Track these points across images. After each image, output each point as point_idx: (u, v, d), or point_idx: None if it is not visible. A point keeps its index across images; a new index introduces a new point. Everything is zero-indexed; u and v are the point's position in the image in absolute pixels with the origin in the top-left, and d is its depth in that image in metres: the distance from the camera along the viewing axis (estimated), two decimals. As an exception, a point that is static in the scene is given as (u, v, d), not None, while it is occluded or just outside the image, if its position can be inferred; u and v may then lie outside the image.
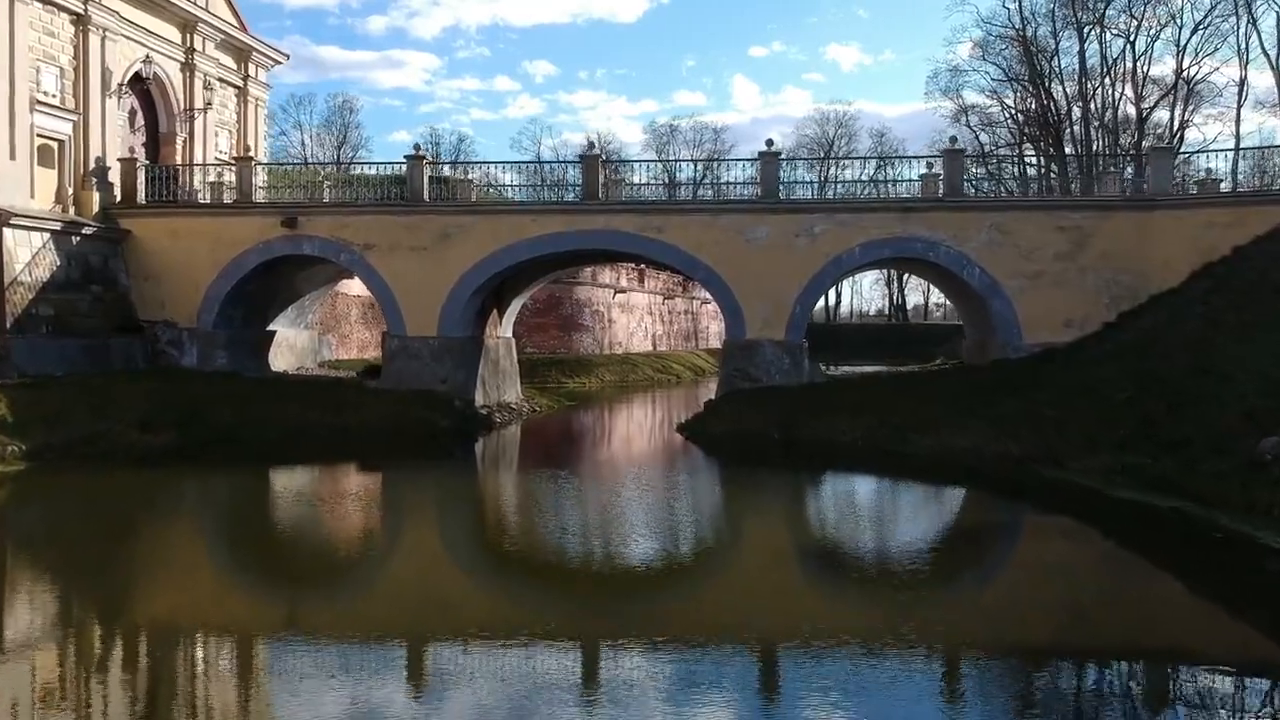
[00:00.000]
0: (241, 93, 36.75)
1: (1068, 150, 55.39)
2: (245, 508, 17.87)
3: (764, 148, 27.73)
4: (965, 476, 20.34)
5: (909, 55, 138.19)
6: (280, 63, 39.29)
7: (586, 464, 24.16)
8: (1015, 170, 54.71)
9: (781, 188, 28.06)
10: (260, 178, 29.52)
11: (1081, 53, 58.14)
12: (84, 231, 27.61)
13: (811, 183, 27.11)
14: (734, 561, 14.10)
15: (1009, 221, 27.01)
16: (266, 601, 11.84)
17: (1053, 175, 49.90)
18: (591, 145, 27.74)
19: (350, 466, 22.78)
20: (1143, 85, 58.51)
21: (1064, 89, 59.04)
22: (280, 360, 31.77)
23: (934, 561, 13.92)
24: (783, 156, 27.95)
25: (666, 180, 29.06)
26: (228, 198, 29.51)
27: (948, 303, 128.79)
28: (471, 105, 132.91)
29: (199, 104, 33.31)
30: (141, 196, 29.40)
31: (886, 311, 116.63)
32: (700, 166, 26.52)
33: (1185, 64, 56.90)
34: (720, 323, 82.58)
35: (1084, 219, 26.94)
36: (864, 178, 27.75)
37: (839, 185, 28.44)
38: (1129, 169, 31.84)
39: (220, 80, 35.09)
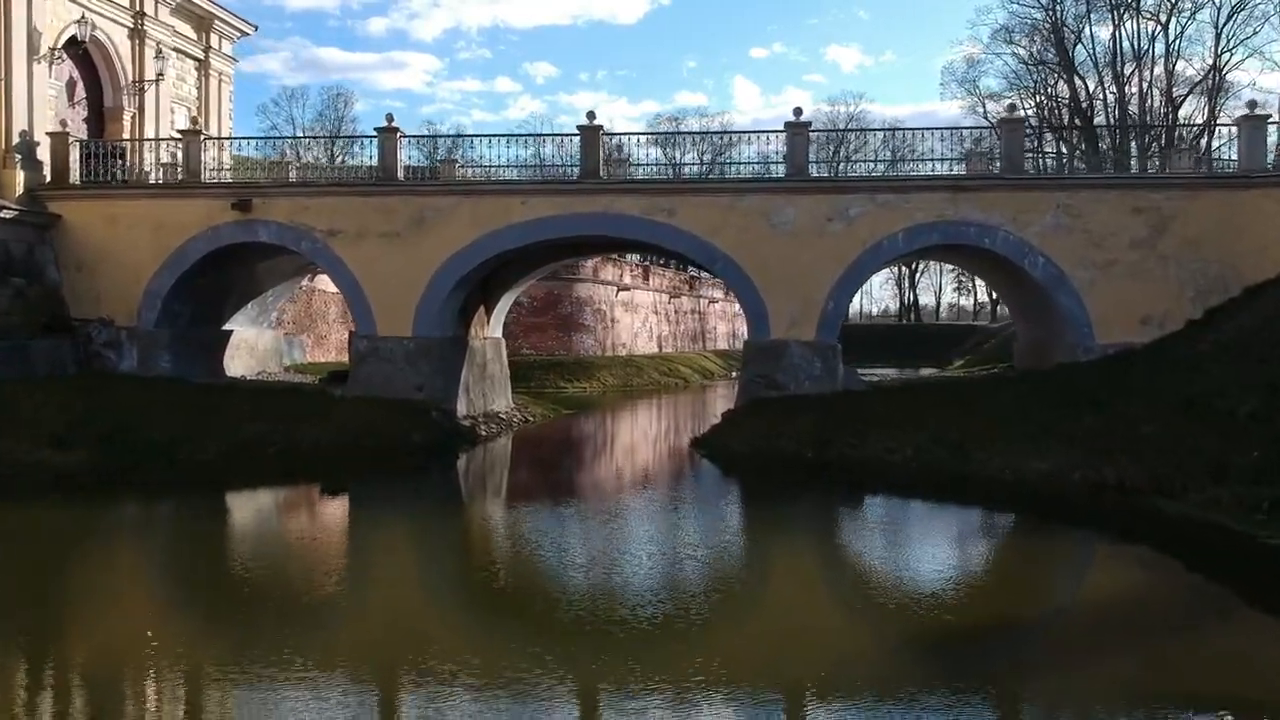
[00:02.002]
0: (203, 65, 32.98)
1: (1102, 141, 51.70)
2: (138, 561, 14.04)
3: (790, 117, 23.90)
4: (1053, 509, 16.53)
5: (910, 56, 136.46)
6: (248, 34, 35.49)
7: (583, 491, 20.30)
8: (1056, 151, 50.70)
9: (812, 166, 24.21)
10: (210, 154, 25.66)
11: (1115, 35, 54.54)
12: (3, 215, 23.82)
13: (846, 160, 23.08)
14: (777, 638, 10.29)
15: (1078, 202, 23.15)
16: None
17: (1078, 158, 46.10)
18: (591, 116, 23.81)
19: (295, 494, 19.02)
20: (1175, 63, 54.73)
21: (1099, 74, 55.32)
22: (238, 364, 27.97)
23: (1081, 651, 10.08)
24: (814, 128, 24.10)
25: (677, 160, 25.07)
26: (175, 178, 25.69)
27: (960, 302, 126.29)
28: (473, 106, 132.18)
29: (150, 75, 29.50)
30: (75, 176, 25.62)
31: (896, 311, 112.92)
32: (717, 141, 22.42)
33: (1221, 48, 53.40)
34: (729, 323, 79.52)
35: (1165, 199, 23.07)
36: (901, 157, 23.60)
37: (876, 162, 24.39)
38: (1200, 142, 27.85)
39: (176, 50, 31.32)
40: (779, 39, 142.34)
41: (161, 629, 10.07)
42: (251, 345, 28.74)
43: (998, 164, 24.38)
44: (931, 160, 24.29)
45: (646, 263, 58.64)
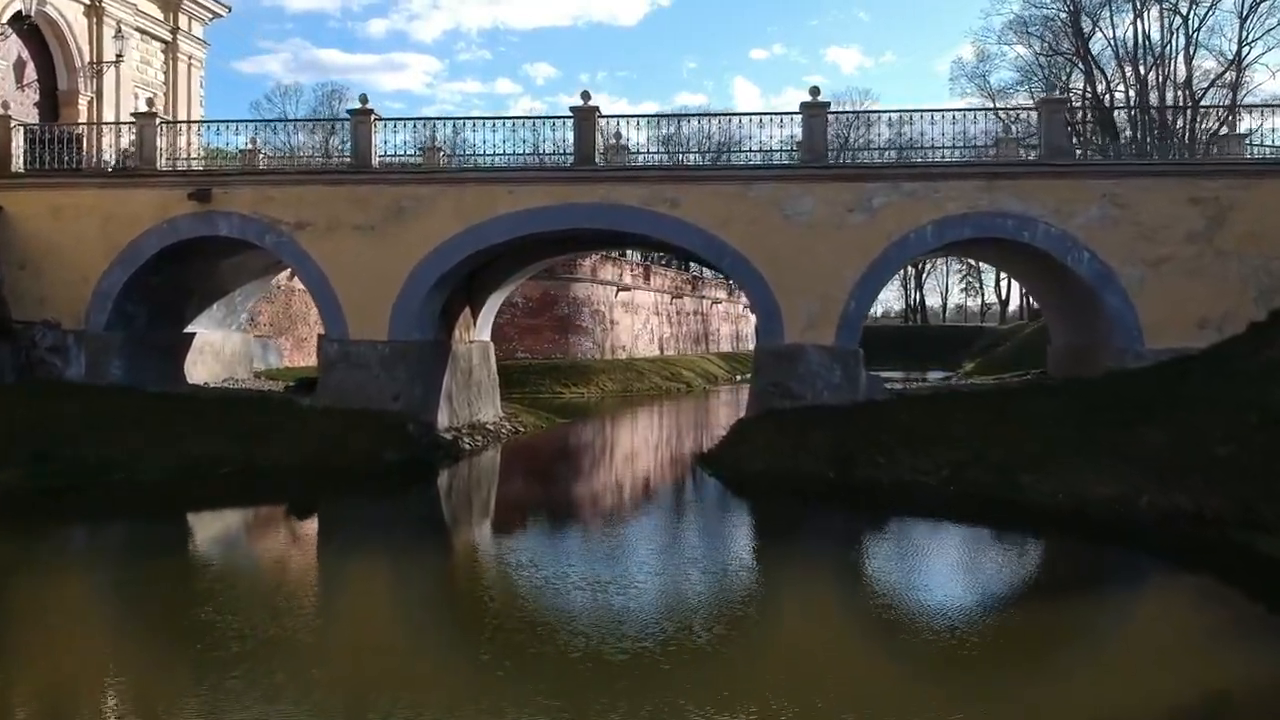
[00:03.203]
0: (170, 48, 30.72)
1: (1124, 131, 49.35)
2: (39, 612, 11.69)
3: (807, 97, 21.56)
4: (1128, 543, 14.22)
5: (910, 57, 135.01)
6: (220, 15, 33.16)
7: (575, 518, 17.92)
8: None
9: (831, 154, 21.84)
10: (168, 140, 23.29)
11: (1136, 25, 52.24)
12: (-66, 206, 21.56)
13: (870, 148, 20.66)
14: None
15: (1127, 192, 20.78)
16: None
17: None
18: (586, 97, 21.50)
19: (240, 522, 16.68)
20: (1194, 52, 52.39)
21: (1120, 65, 53.00)
22: (202, 370, 25.62)
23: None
24: (832, 109, 21.72)
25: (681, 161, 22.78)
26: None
27: (969, 304, 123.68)
28: (473, 107, 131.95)
29: (109, 56, 27.19)
30: (20, 164, 23.29)
31: (900, 312, 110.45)
32: (725, 125, 20.08)
33: (1243, 39, 51.13)
34: (732, 325, 77.00)
35: (1224, 188, 20.71)
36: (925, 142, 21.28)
37: (901, 149, 22.04)
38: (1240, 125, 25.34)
39: (140, 31, 29.04)
40: (779, 40, 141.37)
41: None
42: (217, 349, 26.39)
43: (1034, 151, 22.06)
44: (958, 147, 21.90)
45: (647, 262, 56.30)
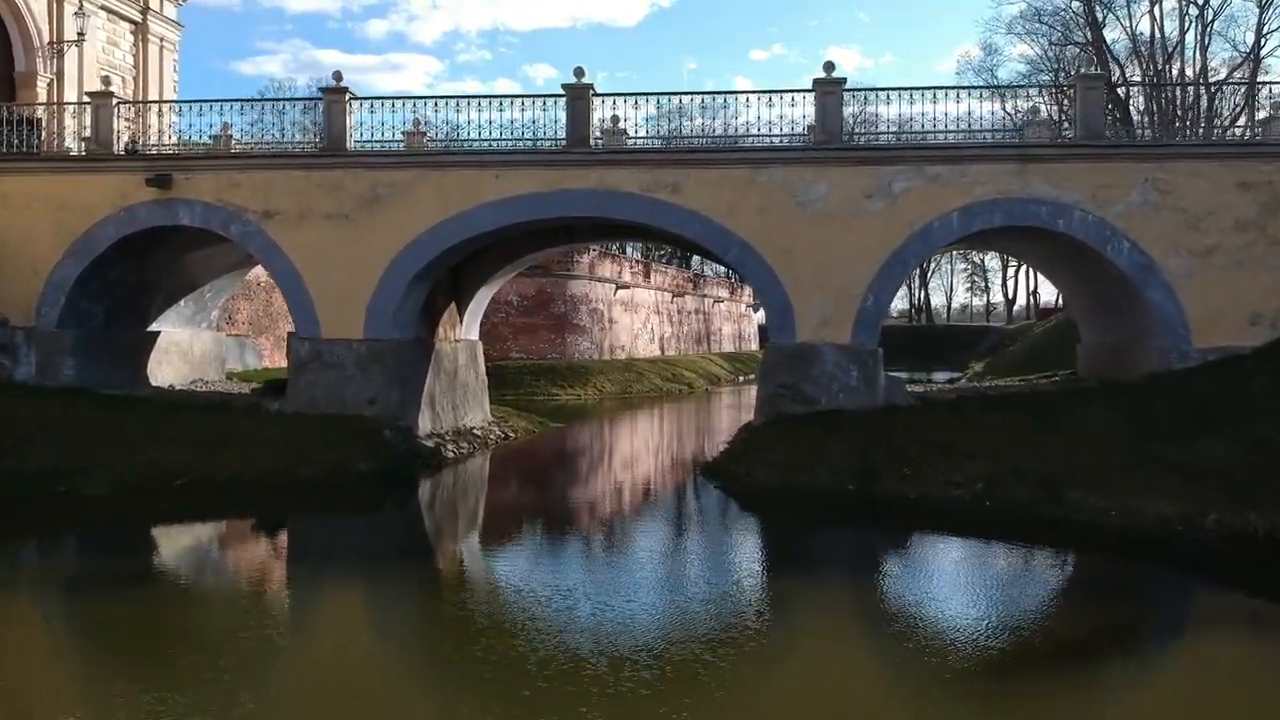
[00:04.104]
0: (139, 29, 28.91)
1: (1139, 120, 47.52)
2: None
3: (821, 74, 19.75)
4: (1194, 567, 12.40)
5: (909, 58, 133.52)
6: (195, -4, 31.34)
7: (566, 538, 16.09)
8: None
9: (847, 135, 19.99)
10: (137, 124, 21.45)
11: (1152, 13, 50.46)
12: None
13: (888, 132, 18.77)
14: None
15: (1171, 175, 18.98)
16: None
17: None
18: (579, 73, 19.71)
19: (181, 545, 14.86)
20: (1209, 43, 50.58)
21: (1139, 55, 51.17)
22: (168, 371, 23.81)
23: None
24: (849, 87, 19.84)
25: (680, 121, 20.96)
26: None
27: (974, 302, 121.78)
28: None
29: (70, 35, 25.39)
30: (-33, 149, 21.48)
31: (904, 311, 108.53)
32: (732, 101, 18.39)
33: (1263, 28, 49.32)
34: (734, 324, 75.13)
35: (1279, 171, 18.93)
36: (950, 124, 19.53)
37: (923, 129, 20.14)
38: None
39: (106, 10, 27.23)
40: (779, 41, 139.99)
41: None
42: (185, 349, 24.57)
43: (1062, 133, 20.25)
44: (984, 131, 20.09)
45: (647, 259, 54.55)
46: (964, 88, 19.92)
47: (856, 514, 15.55)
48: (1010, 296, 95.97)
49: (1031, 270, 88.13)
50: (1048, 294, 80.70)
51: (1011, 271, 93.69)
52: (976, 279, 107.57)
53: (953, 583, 12.03)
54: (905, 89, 19.79)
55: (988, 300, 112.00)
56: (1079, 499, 14.51)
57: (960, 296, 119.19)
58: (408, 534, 15.62)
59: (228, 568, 13.34)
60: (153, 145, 21.79)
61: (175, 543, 14.80)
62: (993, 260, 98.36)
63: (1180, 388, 17.19)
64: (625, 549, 14.28)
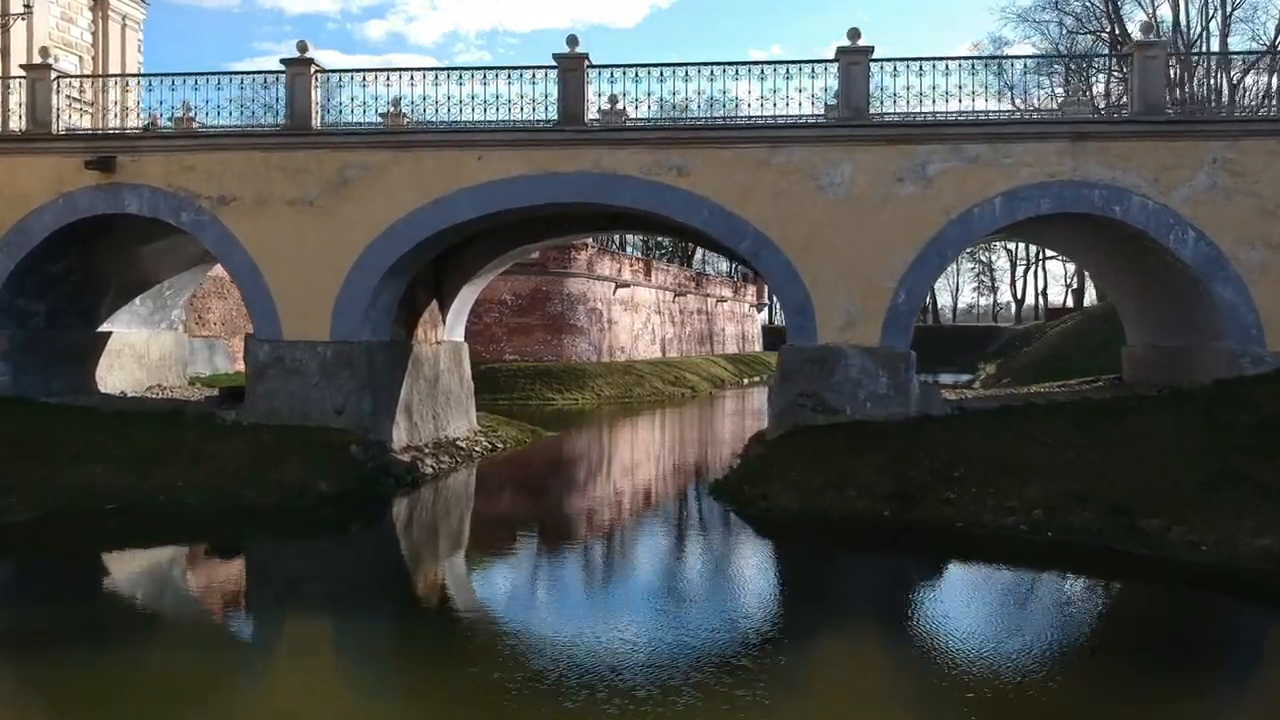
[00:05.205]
0: (99, 5, 26.70)
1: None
2: None
3: (845, 42, 17.56)
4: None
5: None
6: (161, -29, 29.15)
7: (551, 580, 13.83)
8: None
9: (873, 105, 17.74)
10: (64, 99, 19.23)
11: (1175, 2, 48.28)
12: None
13: (918, 113, 16.54)
14: None
15: (1242, 156, 16.76)
16: None
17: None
18: (573, 42, 17.50)
19: (96, 586, 12.62)
20: (1228, 31, 48.40)
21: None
22: (121, 375, 21.58)
23: None
24: (875, 56, 17.63)
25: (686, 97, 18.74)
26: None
27: (980, 302, 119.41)
28: None
29: (15, 9, 23.20)
30: (-108, 129, 19.30)
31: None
32: (746, 74, 16.02)
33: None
34: (738, 325, 72.82)
35: (1365, 152, 16.74)
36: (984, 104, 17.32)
37: (951, 108, 17.92)
38: None
39: (61, -17, 25.03)
40: (779, 40, 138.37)
41: None
42: (141, 352, 22.34)
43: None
44: (1038, 112, 17.87)
45: (648, 255, 52.36)
46: (1006, 58, 17.75)
47: (897, 546, 13.31)
48: (1019, 296, 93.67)
49: (1041, 270, 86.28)
50: (1056, 295, 78.57)
51: (1020, 271, 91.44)
52: (983, 278, 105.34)
53: (1044, 640, 9.78)
54: (940, 58, 17.60)
55: (994, 300, 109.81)
56: (1159, 530, 12.30)
57: (966, 296, 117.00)
58: (362, 578, 13.04)
59: (134, 610, 11.10)
60: (109, 129, 19.64)
61: (88, 579, 12.52)
62: (1000, 259, 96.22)
63: (1261, 396, 14.97)
64: (623, 595, 12.05)
